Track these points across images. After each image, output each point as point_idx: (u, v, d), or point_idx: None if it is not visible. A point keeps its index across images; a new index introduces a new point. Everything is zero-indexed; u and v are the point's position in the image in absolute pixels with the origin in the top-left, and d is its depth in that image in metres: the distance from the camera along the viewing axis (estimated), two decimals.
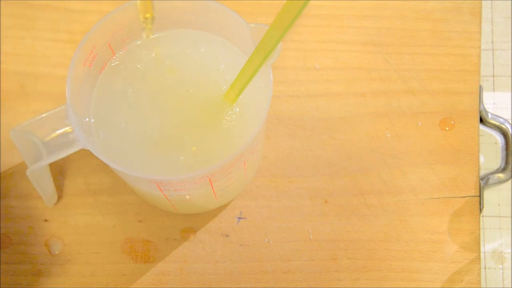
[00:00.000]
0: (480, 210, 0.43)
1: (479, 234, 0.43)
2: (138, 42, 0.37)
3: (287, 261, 0.42)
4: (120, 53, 0.37)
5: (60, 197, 0.43)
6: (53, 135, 0.34)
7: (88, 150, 0.33)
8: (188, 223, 0.43)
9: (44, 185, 0.39)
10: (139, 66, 0.37)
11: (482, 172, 0.46)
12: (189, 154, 0.36)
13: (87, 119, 0.36)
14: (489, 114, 0.46)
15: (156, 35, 0.37)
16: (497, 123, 0.46)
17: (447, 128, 0.45)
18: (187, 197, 0.37)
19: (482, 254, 0.45)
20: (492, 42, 0.49)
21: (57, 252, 0.42)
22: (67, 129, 0.34)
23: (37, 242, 0.42)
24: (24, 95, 0.44)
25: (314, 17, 0.46)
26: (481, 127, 0.46)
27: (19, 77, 0.45)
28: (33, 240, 0.42)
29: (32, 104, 0.44)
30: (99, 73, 0.36)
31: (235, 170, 0.35)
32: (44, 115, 0.34)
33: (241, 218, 0.43)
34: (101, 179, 0.43)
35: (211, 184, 0.35)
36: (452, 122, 0.45)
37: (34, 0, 0.46)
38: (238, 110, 0.36)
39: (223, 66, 0.37)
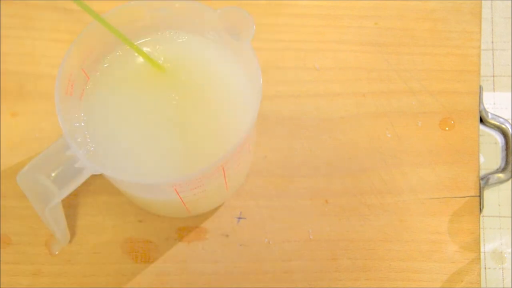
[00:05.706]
0: (480, 210, 0.43)
1: (479, 234, 0.43)
2: (118, 53, 0.37)
3: (287, 261, 0.42)
4: (97, 73, 0.36)
5: None
6: (60, 169, 0.33)
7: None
8: (188, 223, 0.43)
9: (58, 222, 0.38)
10: (122, 75, 0.37)
11: (482, 172, 0.46)
12: (188, 153, 0.35)
13: (87, 141, 0.35)
14: (489, 114, 0.46)
15: (138, 42, 0.37)
16: (497, 123, 0.46)
17: (447, 128, 0.45)
18: (202, 194, 0.37)
19: (482, 254, 0.45)
20: (492, 42, 0.49)
21: (57, 252, 0.42)
22: (71, 160, 0.33)
23: (37, 242, 0.42)
24: (24, 95, 0.44)
25: (314, 17, 0.46)
26: (481, 127, 0.46)
27: (19, 77, 0.44)
28: (33, 240, 0.42)
29: (32, 104, 0.44)
30: (80, 98, 0.36)
31: (243, 155, 0.36)
32: (45, 152, 0.33)
33: (241, 218, 0.43)
34: (101, 179, 0.43)
35: (224, 174, 0.35)
36: (452, 122, 0.45)
37: (34, 0, 0.46)
38: (231, 110, 0.36)
39: (206, 65, 0.37)
